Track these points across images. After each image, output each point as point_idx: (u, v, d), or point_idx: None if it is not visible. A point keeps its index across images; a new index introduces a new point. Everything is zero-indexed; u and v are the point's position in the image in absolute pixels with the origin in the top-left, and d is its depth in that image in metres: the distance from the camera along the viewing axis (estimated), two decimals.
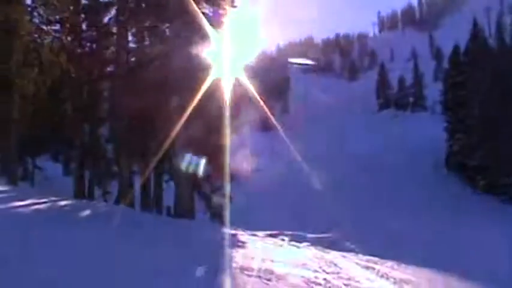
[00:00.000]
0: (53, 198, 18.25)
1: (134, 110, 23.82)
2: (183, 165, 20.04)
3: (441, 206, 49.10)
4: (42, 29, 30.40)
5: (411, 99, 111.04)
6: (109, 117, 30.65)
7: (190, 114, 18.77)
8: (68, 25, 28.11)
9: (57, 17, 29.28)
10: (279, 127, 53.81)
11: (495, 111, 56.21)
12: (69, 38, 28.36)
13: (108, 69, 29.08)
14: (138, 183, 25.05)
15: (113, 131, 30.09)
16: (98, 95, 29.55)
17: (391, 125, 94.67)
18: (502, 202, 53.30)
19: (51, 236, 9.99)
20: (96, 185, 30.20)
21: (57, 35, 30.18)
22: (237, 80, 21.25)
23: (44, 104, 33.49)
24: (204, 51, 19.95)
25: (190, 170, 20.40)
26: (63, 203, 17.33)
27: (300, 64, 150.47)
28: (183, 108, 18.90)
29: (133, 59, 26.62)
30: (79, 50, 27.82)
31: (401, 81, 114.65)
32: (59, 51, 29.04)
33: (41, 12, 29.74)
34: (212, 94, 20.17)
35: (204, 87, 19.07)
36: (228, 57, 20.99)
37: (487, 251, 28.30)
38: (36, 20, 30.16)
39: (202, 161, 20.83)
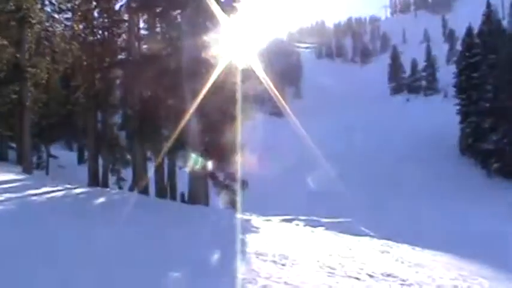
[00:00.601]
0: (68, 186, 18.41)
1: (146, 97, 23.90)
2: (197, 151, 20.08)
3: (454, 190, 48.95)
4: (53, 18, 30.50)
5: (424, 83, 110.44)
6: (121, 105, 30.73)
7: (203, 100, 18.79)
8: (79, 13, 28.16)
9: (69, 5, 29.37)
10: (291, 113, 53.65)
11: (508, 94, 55.82)
12: (80, 26, 28.40)
13: (120, 56, 29.12)
14: (152, 170, 25.16)
15: (126, 119, 30.19)
16: (110, 82, 29.59)
17: (403, 109, 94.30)
18: None
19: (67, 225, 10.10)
20: (110, 173, 30.35)
21: (68, 23, 30.28)
22: (249, 65, 21.21)
23: (56, 92, 33.68)
24: (217, 38, 19.92)
25: (204, 157, 20.45)
26: (78, 190, 17.46)
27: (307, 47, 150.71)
28: (196, 95, 18.91)
29: (145, 46, 26.63)
30: (91, 38, 27.86)
31: (413, 64, 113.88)
32: (70, 40, 29.13)
33: (53, 0, 29.83)
34: (225, 80, 20.17)
35: (216, 74, 19.07)
36: (240, 43, 20.95)
37: (499, 236, 28.25)
38: (48, 9, 30.28)
39: (216, 147, 20.87)
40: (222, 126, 21.07)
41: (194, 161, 20.15)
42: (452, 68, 76.26)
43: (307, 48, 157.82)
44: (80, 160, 44.61)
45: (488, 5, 68.72)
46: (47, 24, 29.87)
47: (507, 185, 53.18)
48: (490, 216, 34.61)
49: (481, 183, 53.96)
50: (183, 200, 22.78)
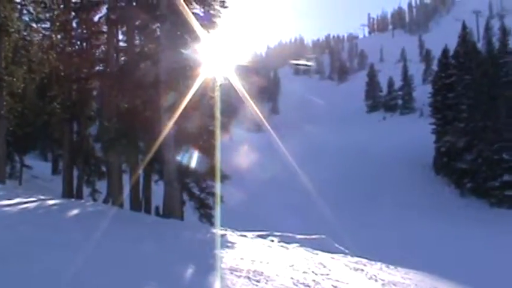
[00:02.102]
0: (41, 197, 18.19)
1: (123, 109, 23.78)
2: (173, 165, 20.00)
3: (429, 209, 49.38)
4: (31, 27, 30.29)
5: (400, 102, 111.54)
6: (98, 116, 30.56)
7: (181, 114, 18.76)
8: (57, 23, 28.02)
9: (47, 14, 29.20)
10: (268, 127, 53.81)
11: (483, 115, 56.58)
12: (58, 36, 28.26)
13: (98, 68, 29.00)
14: (127, 182, 24.98)
15: (102, 130, 30.01)
16: (87, 93, 29.44)
17: (379, 126, 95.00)
18: (491, 205, 53.57)
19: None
20: (85, 184, 30.07)
21: (46, 33, 30.10)
22: (227, 80, 21.23)
23: (32, 101, 33.37)
24: (195, 52, 19.94)
25: (180, 169, 20.38)
26: (51, 202, 17.26)
27: (300, 65, 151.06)
28: (174, 108, 18.88)
29: (123, 58, 26.55)
30: (69, 48, 27.73)
31: (390, 83, 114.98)
32: (48, 49, 28.93)
33: (31, 9, 29.63)
34: (202, 94, 20.17)
35: (194, 88, 19.05)
36: (218, 57, 20.98)
37: (472, 254, 28.52)
38: (26, 18, 30.06)
39: (192, 161, 20.81)
40: (199, 141, 21.04)
41: (171, 174, 20.04)
42: (428, 88, 77.22)
43: (300, 65, 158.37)
44: (54, 171, 44.17)
45: (464, 27, 69.70)
46: (25, 33, 29.64)
47: (479, 205, 53.76)
48: (462, 236, 34.92)
49: (454, 203, 54.47)
50: (157, 214, 22.62)
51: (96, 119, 31.40)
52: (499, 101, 56.32)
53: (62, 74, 27.67)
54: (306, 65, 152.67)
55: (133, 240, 11.41)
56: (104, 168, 30.19)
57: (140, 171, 23.76)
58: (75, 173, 28.25)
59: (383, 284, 11.49)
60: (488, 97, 56.81)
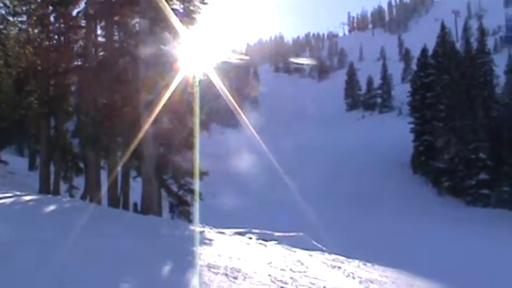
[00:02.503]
0: (18, 193, 18.03)
1: (102, 105, 23.63)
2: (152, 162, 19.94)
3: (406, 207, 49.73)
4: (8, 20, 29.92)
5: (379, 100, 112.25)
6: (76, 112, 30.31)
7: (160, 110, 18.71)
8: (35, 17, 27.70)
9: (24, 8, 28.83)
10: (248, 124, 53.74)
11: (460, 115, 57.15)
12: (36, 30, 27.93)
13: (76, 63, 28.73)
14: (105, 179, 24.83)
15: (80, 126, 29.78)
16: (65, 88, 29.14)
17: (358, 125, 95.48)
18: (466, 204, 54.21)
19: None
20: (62, 180, 29.82)
21: (23, 26, 29.72)
22: (206, 77, 21.21)
23: (9, 96, 32.98)
24: (174, 48, 19.89)
25: (159, 166, 20.34)
26: (28, 198, 17.13)
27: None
28: (152, 104, 18.82)
29: (102, 54, 26.35)
30: (46, 43, 27.43)
31: (369, 81, 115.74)
32: (25, 43, 28.59)
33: (7, 3, 29.26)
34: (181, 90, 20.13)
35: (173, 84, 19.01)
36: (198, 54, 20.95)
37: (447, 253, 28.79)
38: (2, 11, 29.68)
39: (171, 158, 20.79)
40: (178, 137, 21.00)
41: (149, 171, 19.98)
42: (407, 87, 77.82)
43: (265, 62, 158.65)
44: (31, 166, 43.73)
45: (443, 27, 70.22)
46: (1, 26, 29.27)
47: (456, 204, 54.35)
48: (438, 234, 35.20)
49: (431, 201, 54.97)
50: (135, 210, 22.55)
51: (74, 114, 31.12)
52: (476, 101, 56.97)
53: (39, 68, 27.36)
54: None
55: (111, 236, 11.35)
56: (81, 164, 29.97)
57: (118, 168, 23.64)
58: (52, 168, 28.00)
59: (360, 282, 11.56)
60: (466, 97, 57.41)
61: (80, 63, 28.08)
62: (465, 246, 31.08)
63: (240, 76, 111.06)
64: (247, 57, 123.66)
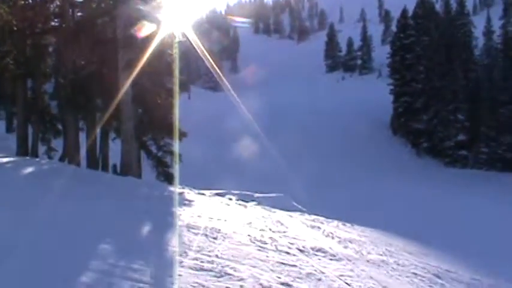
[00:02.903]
0: None
1: (80, 66, 23.31)
2: (131, 123, 19.81)
3: (386, 168, 50.09)
4: None
5: (359, 62, 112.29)
6: (54, 73, 29.88)
7: (139, 71, 18.50)
8: None
9: None
10: (228, 86, 53.48)
11: (440, 76, 57.39)
12: None
13: (53, 23, 28.21)
14: (84, 141, 24.65)
15: (58, 87, 29.40)
16: (42, 49, 28.64)
17: (338, 86, 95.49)
18: (445, 165, 54.83)
19: None
20: (41, 142, 29.56)
21: None
22: (185, 38, 20.98)
23: None
24: (153, 8, 19.60)
25: (138, 127, 20.23)
26: (5, 160, 16.97)
27: (240, 23, 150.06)
28: (131, 65, 18.60)
29: (79, 14, 25.88)
30: (22, 2, 26.86)
31: (349, 43, 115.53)
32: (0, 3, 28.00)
33: None
34: (161, 52, 19.92)
35: (152, 45, 18.78)
36: (177, 14, 20.68)
37: (426, 212, 29.21)
38: None
39: (150, 119, 20.67)
40: (157, 98, 20.85)
41: (128, 132, 19.85)
42: (387, 48, 77.73)
43: (244, 23, 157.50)
44: (9, 129, 43.27)
45: None
46: None
47: (435, 165, 54.93)
48: (417, 195, 35.62)
49: (411, 162, 55.46)
50: (115, 172, 22.45)
51: (52, 75, 30.67)
52: (455, 63, 57.16)
53: (15, 28, 26.83)
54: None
55: (90, 198, 11.30)
56: (59, 126, 29.69)
57: (97, 129, 23.46)
58: (30, 130, 27.71)
59: (339, 241, 11.67)
60: (445, 58, 57.56)
61: (57, 23, 27.58)
62: (442, 205, 31.55)
63: (220, 37, 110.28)
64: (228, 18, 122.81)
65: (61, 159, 25.00)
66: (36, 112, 27.47)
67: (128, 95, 19.22)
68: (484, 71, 62.81)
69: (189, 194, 15.97)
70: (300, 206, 18.69)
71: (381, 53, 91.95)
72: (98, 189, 13.37)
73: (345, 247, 11.05)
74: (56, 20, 27.37)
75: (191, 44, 21.70)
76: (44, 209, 9.11)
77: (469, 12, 74.59)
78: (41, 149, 28.06)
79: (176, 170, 20.52)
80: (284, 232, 11.14)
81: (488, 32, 78.74)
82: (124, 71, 19.03)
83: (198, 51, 22.94)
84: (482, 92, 58.19)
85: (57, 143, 26.98)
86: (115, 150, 22.28)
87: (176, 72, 20.10)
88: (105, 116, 21.04)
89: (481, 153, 54.45)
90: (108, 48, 20.21)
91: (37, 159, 21.90)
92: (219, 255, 7.82)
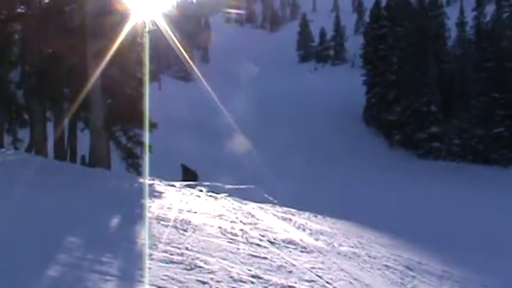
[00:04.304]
0: None
1: (47, 54, 23.06)
2: (100, 113, 19.67)
3: (358, 160, 50.41)
4: None
5: (332, 52, 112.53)
6: (20, 61, 29.50)
7: (108, 60, 18.36)
8: None
9: None
10: (199, 76, 53.31)
11: (412, 67, 57.82)
12: None
13: (19, 10, 27.82)
14: (51, 131, 24.41)
15: (24, 76, 29.05)
16: (8, 37, 28.25)
17: (311, 77, 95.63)
18: (418, 157, 55.34)
19: None
20: (6, 133, 29.20)
21: None
22: (156, 27, 20.86)
23: None
24: None
25: (107, 118, 20.08)
26: None
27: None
28: (101, 54, 18.45)
29: (46, 1, 25.57)
30: None
31: (322, 33, 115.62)
32: None
33: None
34: (131, 41, 19.79)
35: (122, 33, 18.65)
36: (147, 2, 20.55)
37: (398, 204, 29.54)
38: None
39: (120, 109, 20.53)
40: (126, 88, 20.72)
41: (97, 123, 19.69)
42: (360, 39, 78.10)
43: (216, 11, 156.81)
44: None
45: None
46: None
47: (407, 156, 55.43)
48: (389, 186, 35.99)
49: (383, 154, 55.86)
50: (83, 163, 22.29)
51: (18, 64, 30.31)
52: (428, 54, 57.63)
53: None
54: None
55: (57, 189, 11.21)
56: (26, 116, 29.36)
57: (65, 120, 23.24)
58: None
59: (311, 233, 11.75)
60: (418, 50, 57.99)
61: (23, 10, 27.21)
62: (414, 197, 31.93)
63: (191, 27, 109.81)
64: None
65: (27, 150, 24.72)
66: (1, 102, 27.11)
67: (97, 85, 19.07)
68: (457, 62, 63.42)
69: (159, 185, 15.94)
70: (271, 198, 18.77)
71: (354, 44, 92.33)
72: (66, 180, 13.26)
73: (316, 239, 11.13)
74: (22, 6, 26.99)
75: (162, 33, 21.60)
76: (9, 201, 9.04)
77: (443, 3, 75.18)
78: (7, 139, 27.75)
79: (146, 161, 20.43)
80: (255, 224, 11.19)
81: (461, 23, 79.26)
82: (93, 60, 18.87)
83: (169, 40, 22.85)
84: (455, 83, 58.77)
85: (24, 134, 26.66)
86: (83, 141, 22.10)
87: (146, 62, 19.97)
88: (74, 106, 20.86)
89: (454, 145, 55.02)
90: (77, 36, 20.00)
91: (3, 150, 21.68)
92: (189, 248, 7.84)
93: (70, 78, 21.85)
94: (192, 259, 7.20)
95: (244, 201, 15.34)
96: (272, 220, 12.67)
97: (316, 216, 15.34)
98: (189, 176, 20.05)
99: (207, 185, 18.40)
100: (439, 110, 57.32)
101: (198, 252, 7.70)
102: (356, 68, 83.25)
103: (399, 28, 62.90)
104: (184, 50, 27.80)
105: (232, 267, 7.22)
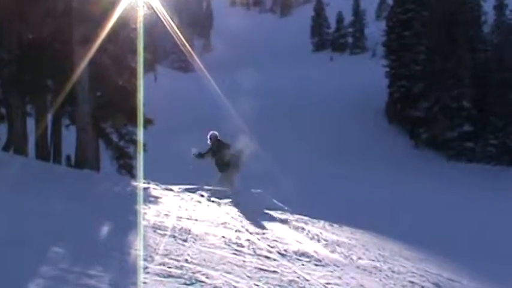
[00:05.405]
0: None
1: (28, 40, 23.08)
2: (88, 108, 19.69)
3: (379, 161, 50.29)
4: None
5: (350, 40, 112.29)
6: None
7: (97, 48, 18.38)
8: None
9: None
10: (201, 66, 53.30)
11: (442, 57, 57.47)
12: None
13: None
14: (32, 128, 24.47)
15: (2, 65, 29.13)
16: None
17: (326, 68, 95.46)
18: (448, 159, 55.03)
19: None
20: None
21: None
22: (152, 10, 20.86)
23: None
24: None
25: (96, 113, 20.10)
26: None
27: None
28: (88, 40, 18.47)
29: None
30: None
31: (339, 18, 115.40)
32: None
33: None
34: (123, 26, 19.79)
35: (112, 18, 18.66)
36: None
37: (426, 212, 29.40)
38: None
39: (110, 103, 20.54)
40: (117, 79, 20.72)
41: (85, 118, 19.72)
42: (382, 25, 77.74)
43: None
44: None
45: None
46: None
47: (436, 158, 55.19)
48: (415, 191, 35.87)
49: (408, 155, 55.66)
50: (69, 164, 22.34)
51: None
52: (460, 42, 57.33)
53: None
54: None
55: (41, 194, 11.25)
56: (3, 110, 29.44)
57: (48, 115, 23.28)
58: None
59: (326, 245, 11.73)
60: (449, 37, 57.70)
61: None
62: (444, 205, 31.77)
63: (192, 11, 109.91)
64: None
65: (5, 148, 24.77)
66: None
67: (85, 75, 19.10)
68: (494, 51, 62.96)
69: (155, 189, 15.97)
70: (281, 204, 18.75)
71: (376, 30, 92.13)
72: (49, 183, 13.30)
73: (332, 251, 11.11)
74: None
75: (158, 17, 21.60)
76: None
77: None
78: None
79: (140, 162, 20.44)
80: (263, 234, 11.18)
81: (499, 6, 78.60)
82: (79, 47, 18.88)
83: (167, 25, 22.85)
84: (491, 75, 58.28)
85: (1, 130, 26.73)
86: (69, 139, 22.11)
87: (140, 50, 19.97)
88: (58, 99, 20.87)
89: (490, 145, 54.78)
90: (61, 20, 20.02)
91: None
92: (189, 260, 7.84)
93: (54, 67, 21.85)
94: (193, 272, 7.20)
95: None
96: (282, 229, 12.66)
97: (332, 225, 15.31)
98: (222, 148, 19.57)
99: (209, 189, 18.41)
100: (473, 105, 57.10)
101: (199, 264, 7.70)
102: (377, 58, 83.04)
103: (427, 12, 62.65)
104: (184, 37, 27.77)
105: (238, 282, 7.22)
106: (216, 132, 20.01)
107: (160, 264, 7.38)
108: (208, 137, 19.88)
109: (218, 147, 19.49)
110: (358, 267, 10.06)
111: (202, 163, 18.83)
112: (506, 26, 71.22)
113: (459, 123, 56.40)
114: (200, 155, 19.65)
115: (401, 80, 63.69)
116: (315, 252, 10.27)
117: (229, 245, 9.35)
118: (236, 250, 9.11)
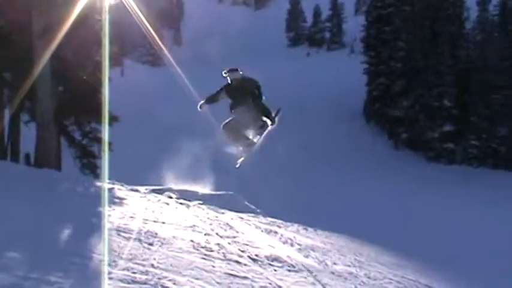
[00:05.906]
0: None
1: None
2: (49, 103, 19.52)
3: (356, 162, 50.46)
4: None
5: (327, 35, 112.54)
6: None
7: (59, 39, 18.22)
8: None
9: None
10: (171, 61, 53.10)
11: (423, 54, 57.79)
12: None
13: None
14: None
15: None
16: None
17: (302, 64, 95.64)
18: (428, 160, 55.34)
19: None
20: None
21: None
22: (118, 1, 20.74)
23: None
24: None
25: (58, 109, 19.93)
26: None
27: None
28: (49, 32, 18.31)
29: None
30: None
31: (316, 12, 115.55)
32: None
33: None
34: (87, 17, 19.67)
35: (76, 7, 18.52)
36: None
37: (404, 215, 29.60)
38: None
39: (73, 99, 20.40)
40: (81, 73, 20.59)
41: (45, 115, 19.56)
42: (361, 20, 78.00)
43: None
44: None
45: None
46: None
47: (415, 159, 55.50)
48: (394, 194, 36.07)
49: (387, 156, 55.89)
50: (28, 163, 22.16)
51: None
52: (442, 38, 57.69)
53: None
54: None
55: None
56: None
57: (6, 110, 23.06)
58: None
59: (300, 249, 11.75)
60: (430, 33, 58.04)
61: None
62: (423, 208, 31.99)
63: (161, 1, 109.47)
64: None
65: None
66: None
67: (46, 69, 18.92)
68: (477, 48, 63.38)
69: (120, 190, 15.90)
70: (253, 207, 18.77)
71: (354, 25, 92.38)
72: (6, 184, 13.16)
73: (306, 256, 11.13)
74: None
75: (125, 8, 21.49)
76: None
77: None
78: None
79: (105, 161, 20.32)
80: (234, 237, 11.18)
81: (482, 2, 79.25)
82: (40, 39, 18.71)
83: (134, 16, 22.74)
84: (473, 74, 58.62)
85: None
86: (28, 137, 21.91)
87: (106, 42, 19.85)
88: (17, 95, 20.67)
89: (471, 146, 55.20)
90: (19, 11, 19.83)
91: None
92: (155, 265, 7.81)
93: (11, 60, 21.63)
94: (159, 278, 7.17)
95: (221, 210, 15.34)
96: (254, 233, 12.66)
97: (306, 229, 15.34)
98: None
99: (178, 191, 18.37)
100: (454, 105, 57.46)
101: (166, 270, 7.67)
102: (356, 54, 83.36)
103: (407, 7, 63.00)
104: (153, 29, 27.53)
105: None
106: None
107: (124, 269, 7.34)
108: (225, 70, 14.08)
109: (240, 83, 14.24)
110: (333, 273, 10.09)
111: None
112: (489, 22, 71.65)
113: (440, 123, 56.69)
114: (212, 98, 14.36)
115: (380, 77, 63.84)
116: (288, 257, 10.28)
117: (197, 249, 9.34)
118: (205, 255, 9.10)
